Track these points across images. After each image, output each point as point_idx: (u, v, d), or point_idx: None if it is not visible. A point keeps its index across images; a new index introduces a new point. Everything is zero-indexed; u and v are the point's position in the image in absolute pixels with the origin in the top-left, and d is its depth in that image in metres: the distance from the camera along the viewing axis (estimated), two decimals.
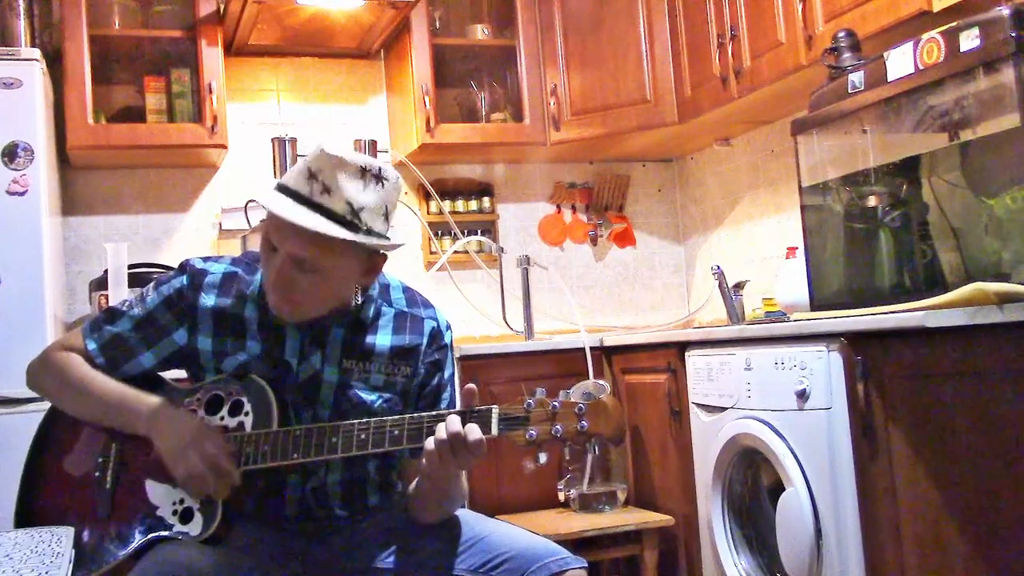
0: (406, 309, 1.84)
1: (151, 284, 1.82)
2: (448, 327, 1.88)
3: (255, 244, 3.46)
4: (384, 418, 1.65)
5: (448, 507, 1.77)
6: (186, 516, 1.65)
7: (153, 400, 1.72)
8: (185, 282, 1.77)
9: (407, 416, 1.64)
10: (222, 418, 1.70)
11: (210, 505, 1.65)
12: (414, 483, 1.77)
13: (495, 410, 1.60)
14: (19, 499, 1.78)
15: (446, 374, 1.85)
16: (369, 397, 1.76)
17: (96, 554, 1.66)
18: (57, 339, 1.89)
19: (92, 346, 1.77)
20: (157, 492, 1.68)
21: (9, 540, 1.22)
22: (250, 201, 3.53)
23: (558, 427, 1.58)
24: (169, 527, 1.65)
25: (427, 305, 1.87)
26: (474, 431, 1.57)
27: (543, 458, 1.61)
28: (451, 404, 1.85)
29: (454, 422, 1.58)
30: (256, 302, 1.76)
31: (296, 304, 1.68)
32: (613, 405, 1.60)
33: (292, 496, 1.75)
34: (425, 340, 1.82)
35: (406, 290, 1.87)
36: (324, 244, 1.61)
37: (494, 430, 1.58)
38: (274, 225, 1.64)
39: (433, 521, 1.76)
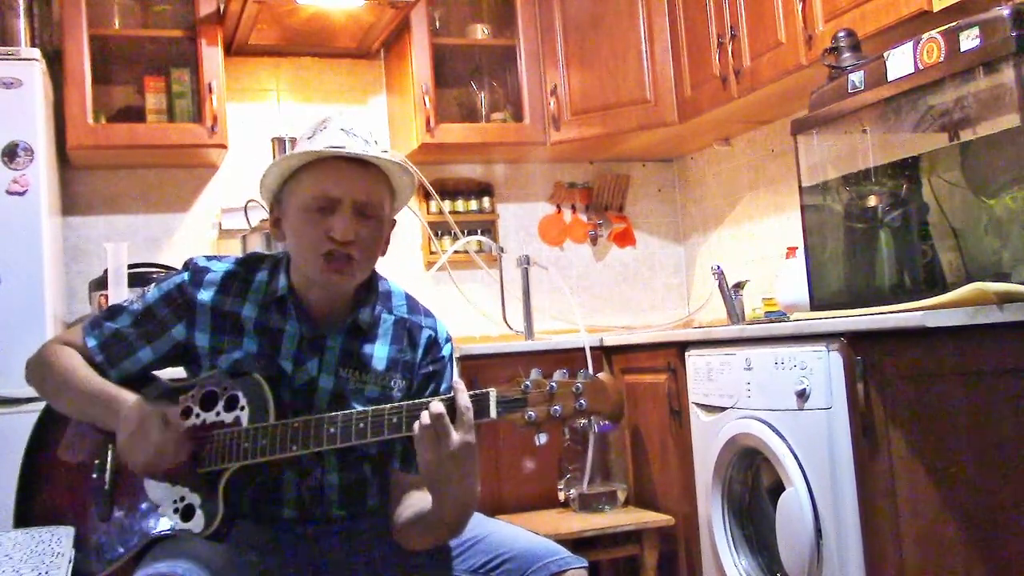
0: (406, 316, 1.82)
1: (153, 282, 1.82)
2: (448, 339, 1.85)
3: (255, 244, 3.46)
4: (382, 406, 1.63)
5: (439, 532, 1.67)
6: (187, 514, 1.65)
7: (127, 396, 1.68)
8: (186, 278, 1.77)
9: (405, 403, 1.62)
10: (218, 413, 1.69)
11: (212, 503, 1.64)
12: (408, 506, 1.73)
13: (492, 393, 1.57)
14: (18, 499, 1.77)
15: (442, 388, 1.81)
16: (364, 408, 1.74)
17: (97, 554, 1.66)
18: (57, 334, 1.88)
19: (92, 343, 1.77)
20: (157, 490, 1.68)
21: (9, 540, 1.22)
22: (250, 201, 3.53)
23: (557, 407, 1.55)
24: (171, 526, 1.64)
25: (428, 315, 1.85)
26: (463, 399, 1.55)
27: (543, 439, 1.59)
28: None
29: (437, 406, 1.55)
30: (256, 302, 1.75)
31: (354, 263, 1.68)
32: (611, 383, 1.57)
33: (289, 497, 1.73)
34: (420, 351, 1.80)
35: (408, 298, 1.86)
36: (382, 183, 1.69)
37: (492, 413, 1.56)
38: (334, 178, 1.65)
39: (420, 547, 1.70)
